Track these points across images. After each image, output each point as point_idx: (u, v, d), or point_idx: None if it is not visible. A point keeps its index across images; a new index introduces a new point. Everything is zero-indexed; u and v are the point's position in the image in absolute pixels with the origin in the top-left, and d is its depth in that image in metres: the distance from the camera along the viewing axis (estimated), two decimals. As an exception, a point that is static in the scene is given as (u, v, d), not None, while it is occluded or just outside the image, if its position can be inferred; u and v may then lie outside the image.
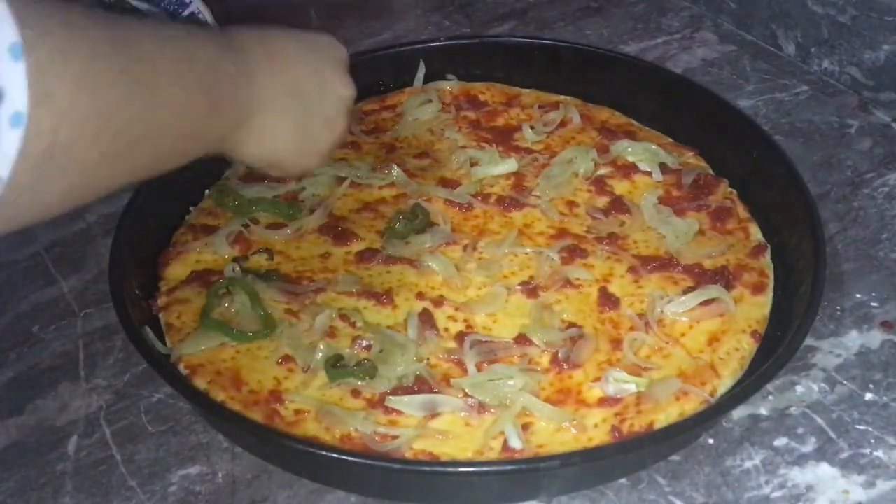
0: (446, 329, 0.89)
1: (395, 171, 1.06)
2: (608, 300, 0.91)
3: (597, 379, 0.84)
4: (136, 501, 0.80)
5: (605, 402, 0.82)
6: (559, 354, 0.85)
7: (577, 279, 0.93)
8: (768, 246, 0.97)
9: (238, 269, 0.93)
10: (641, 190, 1.05)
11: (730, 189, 1.04)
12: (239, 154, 0.77)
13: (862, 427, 0.82)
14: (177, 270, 0.96)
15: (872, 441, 0.81)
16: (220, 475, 0.81)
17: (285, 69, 0.78)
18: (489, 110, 1.17)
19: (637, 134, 1.12)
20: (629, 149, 1.08)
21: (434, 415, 0.81)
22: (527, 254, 0.97)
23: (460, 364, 0.85)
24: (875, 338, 0.90)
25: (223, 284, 0.91)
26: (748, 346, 0.87)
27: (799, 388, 0.86)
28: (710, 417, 0.80)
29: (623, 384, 0.82)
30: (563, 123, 1.14)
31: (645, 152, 1.07)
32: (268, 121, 0.75)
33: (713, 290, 0.90)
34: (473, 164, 1.08)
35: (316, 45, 0.83)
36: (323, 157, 0.85)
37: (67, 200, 0.56)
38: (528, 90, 1.21)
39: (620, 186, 1.05)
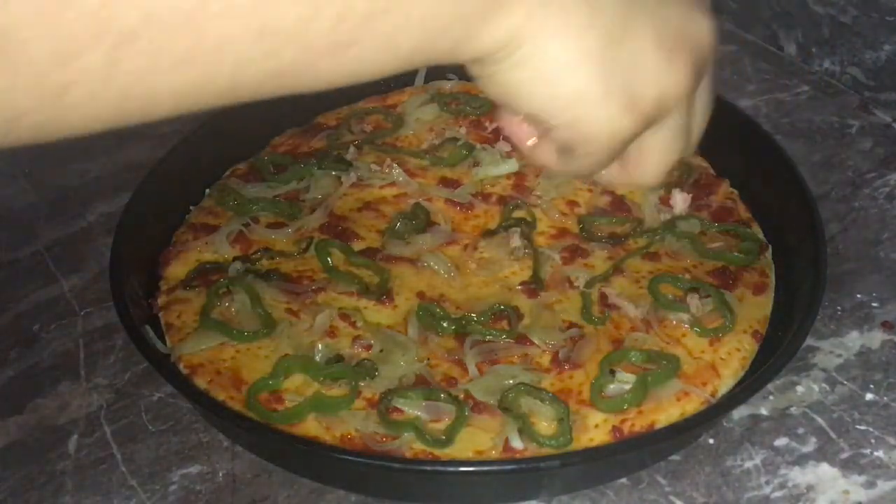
0: (447, 328, 0.89)
1: (396, 170, 1.06)
2: (609, 300, 0.91)
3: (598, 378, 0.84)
4: (137, 500, 0.80)
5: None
6: (560, 354, 0.85)
7: (578, 279, 0.93)
8: (769, 246, 0.97)
9: (241, 268, 0.93)
10: (642, 190, 1.05)
11: (730, 189, 1.04)
12: (488, 74, 0.49)
13: (862, 427, 0.82)
14: (177, 270, 0.96)
15: (873, 441, 0.81)
16: (220, 474, 0.81)
17: None
18: (490, 110, 1.17)
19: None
20: None
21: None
22: (527, 253, 0.96)
23: (460, 364, 0.85)
24: (876, 338, 0.90)
25: (223, 284, 0.91)
26: (749, 346, 0.87)
27: (799, 388, 0.86)
28: (710, 417, 0.80)
29: (623, 384, 0.82)
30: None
31: None
32: (558, 14, 0.47)
33: (714, 292, 0.90)
34: (474, 164, 1.08)
35: None
36: (640, 114, 0.51)
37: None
38: (528, 90, 1.20)
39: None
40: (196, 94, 0.43)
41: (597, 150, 0.52)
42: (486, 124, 1.15)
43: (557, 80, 0.49)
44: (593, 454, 0.76)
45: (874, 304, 0.94)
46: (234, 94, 0.44)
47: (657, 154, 0.55)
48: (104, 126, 0.42)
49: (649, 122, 0.52)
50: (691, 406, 0.81)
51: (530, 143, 0.58)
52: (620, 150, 0.53)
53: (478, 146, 1.11)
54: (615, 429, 0.79)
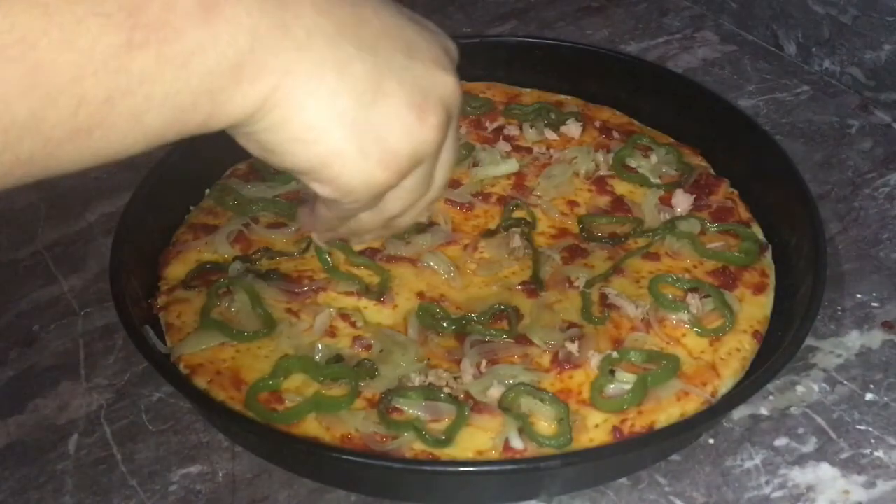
0: (447, 328, 0.89)
1: (396, 170, 1.06)
2: (609, 300, 0.91)
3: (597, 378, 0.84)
4: (137, 500, 0.80)
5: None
6: (560, 354, 0.85)
7: (578, 279, 0.93)
8: (769, 246, 0.97)
9: (241, 268, 0.93)
10: (642, 190, 1.05)
11: (730, 189, 1.04)
12: (248, 134, 0.51)
13: (862, 427, 0.82)
14: (177, 270, 0.95)
15: (873, 441, 0.81)
16: (220, 474, 0.81)
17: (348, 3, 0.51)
18: (490, 110, 1.17)
19: (638, 134, 1.12)
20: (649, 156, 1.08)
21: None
22: (527, 253, 0.96)
23: (461, 364, 0.85)
24: (876, 338, 0.90)
25: (223, 284, 0.91)
26: (749, 346, 0.87)
27: (799, 388, 0.86)
28: (710, 417, 0.80)
29: (623, 384, 0.82)
30: (563, 123, 1.14)
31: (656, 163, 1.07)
32: (308, 79, 0.49)
33: (714, 292, 0.90)
34: (474, 164, 1.08)
35: (412, 15, 0.57)
36: (396, 169, 0.54)
37: None
38: (528, 90, 1.21)
39: (621, 186, 1.05)
40: None
41: (358, 199, 0.55)
42: (487, 124, 1.15)
43: (312, 142, 0.51)
44: (593, 454, 0.76)
45: (874, 304, 0.94)
46: None
47: (403, 197, 0.58)
48: None
49: (406, 174, 0.55)
50: (691, 406, 0.81)
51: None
52: (381, 197, 0.57)
53: (478, 146, 1.11)
54: (615, 429, 0.79)
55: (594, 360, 0.85)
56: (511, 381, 0.83)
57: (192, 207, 1.04)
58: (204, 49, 0.46)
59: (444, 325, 0.88)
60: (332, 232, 0.67)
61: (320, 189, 0.55)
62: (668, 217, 1.00)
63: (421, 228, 0.99)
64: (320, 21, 0.49)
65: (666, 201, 1.02)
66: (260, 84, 0.48)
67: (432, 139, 0.54)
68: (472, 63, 1.21)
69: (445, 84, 0.55)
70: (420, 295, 0.92)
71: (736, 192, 1.04)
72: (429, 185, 0.59)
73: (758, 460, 0.80)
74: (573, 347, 0.86)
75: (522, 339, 0.87)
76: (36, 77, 0.42)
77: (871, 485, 0.78)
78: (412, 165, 0.55)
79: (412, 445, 0.78)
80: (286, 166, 0.53)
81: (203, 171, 1.07)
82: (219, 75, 0.46)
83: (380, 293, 0.92)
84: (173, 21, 0.44)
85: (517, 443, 0.78)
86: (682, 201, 1.02)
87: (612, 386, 0.82)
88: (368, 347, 0.86)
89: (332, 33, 0.50)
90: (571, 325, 0.89)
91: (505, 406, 0.81)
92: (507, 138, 1.12)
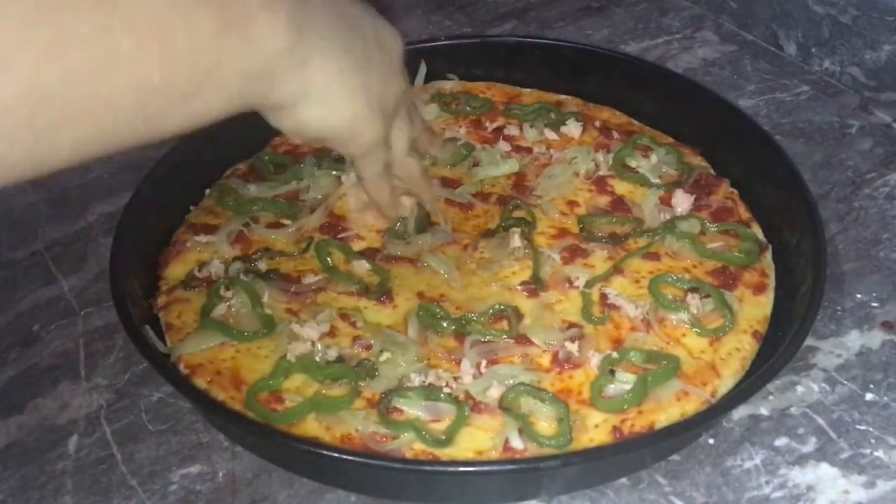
0: (447, 328, 0.89)
1: (396, 170, 1.06)
2: (609, 300, 0.91)
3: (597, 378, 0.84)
4: (137, 500, 0.80)
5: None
6: (560, 354, 0.85)
7: (578, 279, 0.93)
8: (769, 246, 0.97)
9: (241, 268, 0.93)
10: (642, 190, 1.05)
11: (730, 189, 1.04)
12: (287, 115, 0.67)
13: (862, 427, 0.82)
14: (177, 270, 0.96)
15: (873, 441, 0.81)
16: (220, 474, 0.81)
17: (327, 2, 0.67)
18: (490, 110, 1.17)
19: (638, 134, 1.12)
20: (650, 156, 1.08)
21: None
22: (527, 253, 0.96)
23: (460, 364, 0.85)
24: (876, 338, 0.90)
25: (223, 284, 0.91)
26: (749, 346, 0.87)
27: (799, 388, 0.86)
28: (710, 417, 0.80)
29: (623, 384, 0.82)
30: (563, 123, 1.14)
31: (656, 163, 1.07)
32: (335, 60, 0.65)
33: (714, 292, 0.90)
34: (474, 164, 1.08)
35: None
36: (388, 121, 0.74)
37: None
38: (528, 90, 1.21)
39: (621, 186, 1.05)
40: (87, 144, 0.54)
41: (373, 150, 0.75)
42: (486, 124, 1.15)
43: (342, 109, 0.68)
44: (593, 454, 0.76)
45: (874, 304, 0.94)
46: (116, 139, 0.55)
47: (400, 136, 0.81)
48: (16, 178, 0.52)
49: (393, 118, 0.77)
50: (691, 406, 0.81)
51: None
52: (384, 149, 0.78)
53: (478, 146, 1.11)
54: (615, 429, 0.79)
55: (594, 360, 0.85)
56: (511, 381, 0.83)
57: (192, 207, 1.04)
58: (269, 33, 0.59)
59: (444, 325, 0.88)
60: (383, 198, 0.89)
61: (349, 148, 0.74)
62: (668, 217, 1.00)
63: (421, 228, 0.99)
64: (326, 16, 0.64)
65: (666, 201, 1.02)
66: (307, 65, 0.62)
67: (404, 87, 0.75)
68: (472, 63, 1.22)
69: (396, 42, 0.75)
70: (420, 295, 0.92)
71: (736, 192, 1.04)
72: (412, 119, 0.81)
73: (758, 460, 0.80)
74: (573, 347, 0.86)
75: (522, 339, 0.87)
76: (168, 50, 0.54)
77: (871, 485, 0.78)
78: (398, 111, 0.76)
79: (412, 445, 0.78)
80: (321, 135, 0.69)
81: (203, 171, 1.07)
82: (279, 55, 0.60)
83: (380, 293, 0.92)
84: (249, 10, 0.58)
85: (517, 443, 0.78)
86: (682, 201, 1.01)
87: (612, 386, 0.82)
88: (368, 347, 0.86)
89: (334, 23, 0.65)
90: (571, 325, 0.89)
91: (505, 406, 0.81)
92: (507, 138, 1.12)
